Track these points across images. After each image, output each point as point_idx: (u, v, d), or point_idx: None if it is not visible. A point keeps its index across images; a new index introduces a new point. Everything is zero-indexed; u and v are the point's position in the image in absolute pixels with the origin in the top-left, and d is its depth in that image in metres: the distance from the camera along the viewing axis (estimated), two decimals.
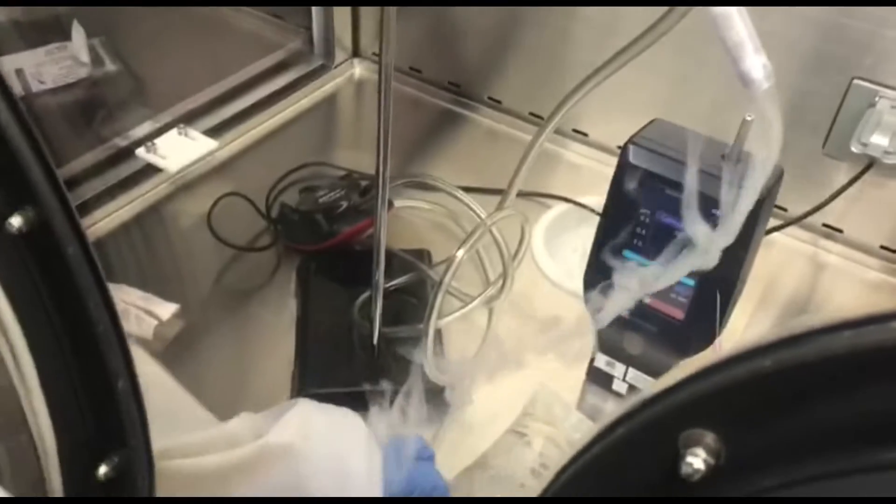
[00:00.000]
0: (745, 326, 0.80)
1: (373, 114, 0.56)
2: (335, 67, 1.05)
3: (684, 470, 0.20)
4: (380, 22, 0.53)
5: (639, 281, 0.54)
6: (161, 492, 0.41)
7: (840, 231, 0.86)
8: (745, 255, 0.57)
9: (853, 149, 0.76)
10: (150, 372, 0.61)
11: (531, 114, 0.99)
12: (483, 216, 0.71)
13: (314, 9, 1.04)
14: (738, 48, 0.37)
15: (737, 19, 0.37)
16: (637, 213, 0.59)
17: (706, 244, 0.45)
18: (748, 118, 0.54)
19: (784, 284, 0.84)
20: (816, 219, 0.85)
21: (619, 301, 0.58)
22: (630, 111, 0.86)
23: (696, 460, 0.20)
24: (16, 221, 0.33)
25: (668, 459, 0.21)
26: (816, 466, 0.19)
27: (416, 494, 0.57)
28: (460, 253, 0.60)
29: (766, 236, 0.85)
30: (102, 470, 0.38)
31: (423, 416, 0.62)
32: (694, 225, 0.45)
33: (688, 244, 0.48)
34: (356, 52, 1.08)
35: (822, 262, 0.86)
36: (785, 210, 0.87)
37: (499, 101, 1.01)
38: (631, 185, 0.58)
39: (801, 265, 0.86)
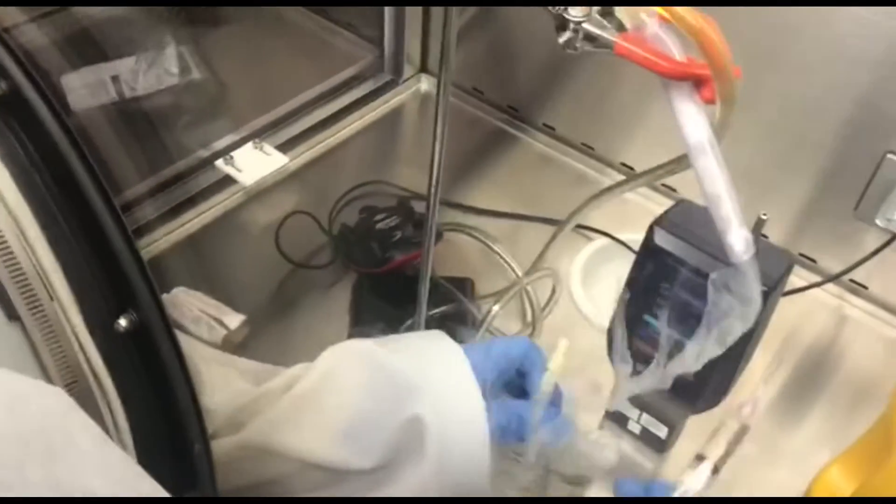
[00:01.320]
0: (761, 372, 0.86)
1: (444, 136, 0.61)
2: (402, 82, 1.12)
3: None
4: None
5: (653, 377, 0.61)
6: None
7: (865, 288, 0.90)
8: (749, 338, 0.62)
9: (878, 222, 0.81)
10: None
11: (583, 143, 1.05)
12: (519, 272, 0.78)
13: (386, 22, 1.10)
14: (725, 223, 0.43)
15: (726, 201, 0.42)
16: (658, 287, 0.65)
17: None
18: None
19: (805, 334, 0.89)
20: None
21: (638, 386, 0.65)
22: (677, 150, 0.91)
23: None
24: (123, 322, 0.41)
25: None
26: None
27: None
28: (496, 308, 0.67)
29: (795, 294, 0.90)
30: None
31: None
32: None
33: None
34: (424, 68, 1.14)
35: (844, 316, 0.91)
36: (814, 262, 0.92)
37: (552, 129, 1.07)
38: (654, 263, 0.64)
39: (824, 317, 0.91)
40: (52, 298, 0.40)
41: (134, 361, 0.42)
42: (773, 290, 0.61)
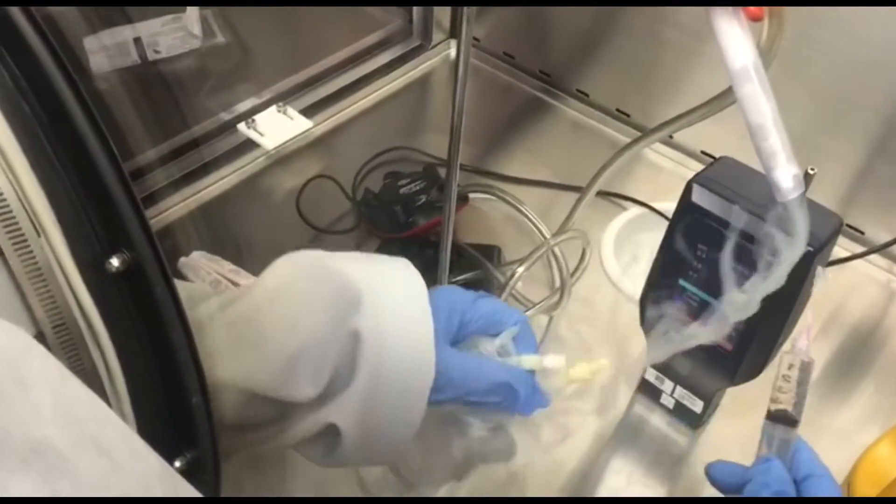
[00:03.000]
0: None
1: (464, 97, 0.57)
2: (432, 48, 1.08)
3: None
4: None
5: (685, 334, 0.57)
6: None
7: None
8: (793, 302, 0.58)
9: None
10: None
11: (618, 110, 1.00)
12: (547, 234, 0.74)
13: None
14: (771, 158, 0.39)
15: (772, 131, 0.38)
16: (695, 248, 0.61)
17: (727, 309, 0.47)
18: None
19: (853, 309, 0.84)
20: (894, 246, 0.84)
21: (673, 344, 0.60)
22: (717, 118, 0.86)
23: None
24: (115, 262, 0.38)
25: None
26: None
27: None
28: (521, 269, 0.64)
29: (841, 264, 0.85)
30: (177, 464, 0.44)
31: None
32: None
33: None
34: (453, 34, 1.10)
35: (894, 291, 0.86)
36: (862, 233, 0.87)
37: (586, 95, 1.03)
38: (691, 222, 0.60)
39: (872, 291, 0.86)
40: (38, 234, 0.37)
41: (127, 303, 0.39)
42: (818, 251, 0.56)
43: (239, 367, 0.47)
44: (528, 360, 0.51)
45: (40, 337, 0.38)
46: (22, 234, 0.37)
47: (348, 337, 0.46)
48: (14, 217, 0.37)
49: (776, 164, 0.39)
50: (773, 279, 0.44)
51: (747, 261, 0.54)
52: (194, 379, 0.41)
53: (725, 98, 0.54)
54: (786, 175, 0.39)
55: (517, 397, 0.50)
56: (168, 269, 0.39)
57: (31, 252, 0.37)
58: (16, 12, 0.37)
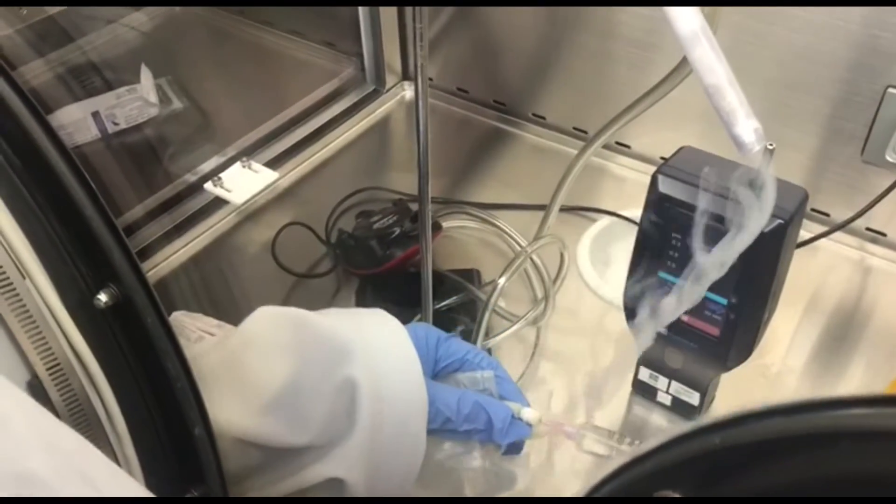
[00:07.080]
0: (792, 333, 0.82)
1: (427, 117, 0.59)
2: (386, 91, 1.10)
3: None
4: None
5: (670, 302, 0.58)
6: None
7: (884, 235, 0.87)
8: (772, 276, 0.59)
9: (888, 158, 0.78)
10: None
11: (575, 128, 1.02)
12: (524, 244, 0.75)
13: (363, 35, 1.09)
14: (730, 115, 0.40)
15: (728, 90, 0.40)
16: (668, 238, 0.62)
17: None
18: (770, 146, 0.56)
19: (831, 290, 0.85)
20: (860, 223, 0.86)
21: (657, 321, 0.62)
22: (671, 122, 0.88)
23: None
24: (103, 297, 0.38)
25: None
26: None
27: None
28: (502, 280, 0.64)
29: (811, 244, 0.87)
30: None
31: None
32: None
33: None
34: (405, 76, 1.12)
35: (867, 266, 0.87)
36: (828, 215, 0.89)
37: (543, 118, 1.05)
38: (661, 212, 0.62)
39: (847, 270, 0.87)
40: (23, 276, 0.37)
41: (119, 339, 0.39)
42: (789, 222, 0.58)
43: (219, 412, 0.47)
44: (511, 405, 0.56)
45: (36, 381, 0.38)
46: (8, 280, 0.37)
47: (341, 386, 0.48)
48: None
49: (736, 121, 0.40)
50: (746, 233, 0.45)
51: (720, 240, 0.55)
52: (195, 409, 0.41)
53: (675, 78, 0.55)
54: (746, 129, 0.41)
55: (493, 425, 0.53)
56: (157, 298, 0.39)
57: (18, 297, 0.37)
58: None
